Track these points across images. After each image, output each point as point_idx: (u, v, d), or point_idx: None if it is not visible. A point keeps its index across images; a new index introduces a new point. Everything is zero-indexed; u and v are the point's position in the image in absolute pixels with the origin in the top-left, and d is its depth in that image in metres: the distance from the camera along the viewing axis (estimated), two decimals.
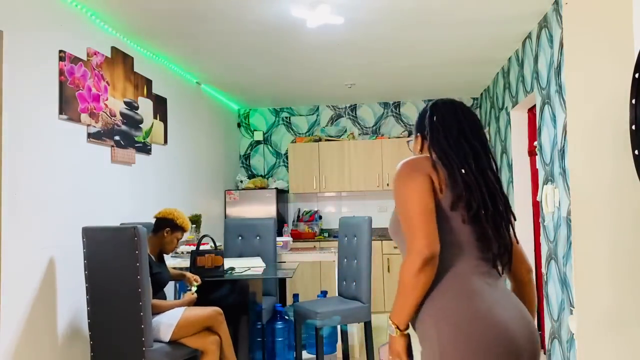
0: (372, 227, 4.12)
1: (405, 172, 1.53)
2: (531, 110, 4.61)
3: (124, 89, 3.88)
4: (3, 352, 2.69)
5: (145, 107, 4.22)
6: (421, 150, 1.66)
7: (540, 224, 3.99)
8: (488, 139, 6.05)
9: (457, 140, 1.58)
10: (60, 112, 3.14)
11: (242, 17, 3.65)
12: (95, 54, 3.51)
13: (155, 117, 4.39)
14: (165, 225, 3.35)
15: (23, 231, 2.83)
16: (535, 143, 4.05)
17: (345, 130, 6.73)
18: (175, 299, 4.32)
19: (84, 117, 3.37)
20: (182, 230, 3.39)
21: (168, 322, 3.06)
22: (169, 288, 4.08)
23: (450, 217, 1.50)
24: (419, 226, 1.44)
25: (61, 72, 3.15)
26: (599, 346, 2.12)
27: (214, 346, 3.12)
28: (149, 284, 2.93)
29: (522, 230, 4.65)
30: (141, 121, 4.14)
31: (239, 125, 6.94)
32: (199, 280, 3.51)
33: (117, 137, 3.77)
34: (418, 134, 1.69)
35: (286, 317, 4.16)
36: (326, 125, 6.81)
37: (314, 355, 4.10)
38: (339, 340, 4.34)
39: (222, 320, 3.20)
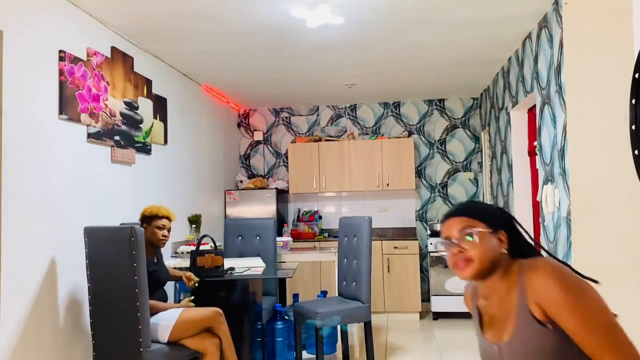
0: (372, 227, 4.12)
1: (574, 276, 1.33)
2: (531, 110, 4.61)
3: (124, 89, 3.88)
4: (4, 352, 2.69)
5: (145, 107, 4.22)
6: (508, 250, 1.46)
7: (540, 224, 3.99)
8: (488, 139, 6.05)
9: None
10: (60, 112, 3.14)
11: (242, 17, 3.65)
12: (95, 54, 3.51)
13: (155, 117, 4.39)
14: (142, 222, 3.38)
15: (23, 231, 2.83)
16: (535, 143, 4.05)
17: (345, 130, 6.73)
18: (175, 298, 4.32)
19: (84, 117, 3.37)
20: (156, 217, 3.34)
21: (165, 322, 3.06)
22: (169, 288, 4.08)
23: None
24: (623, 334, 1.26)
25: (61, 72, 3.15)
26: None
27: (214, 348, 3.12)
28: (147, 284, 2.93)
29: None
30: (141, 121, 4.14)
31: (239, 125, 6.94)
32: (194, 278, 3.50)
33: (117, 137, 3.77)
34: (502, 230, 1.47)
35: (286, 317, 4.16)
36: (326, 125, 6.81)
37: (314, 355, 4.10)
38: (339, 340, 4.34)
39: (221, 320, 3.19)
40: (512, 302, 1.38)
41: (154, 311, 3.11)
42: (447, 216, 1.51)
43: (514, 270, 1.42)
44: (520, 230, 1.48)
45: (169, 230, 3.41)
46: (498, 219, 1.47)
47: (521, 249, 1.45)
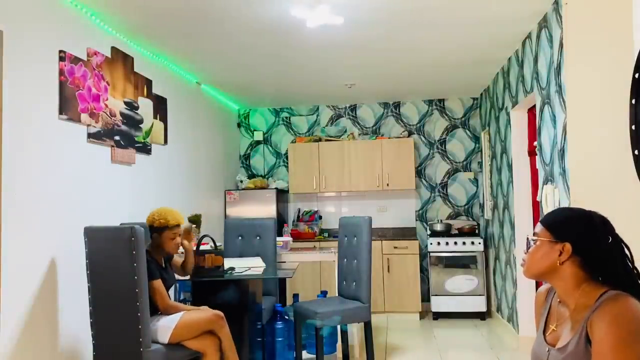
0: (372, 227, 4.12)
1: (630, 339, 1.29)
2: (531, 110, 4.61)
3: (124, 89, 3.88)
4: (4, 352, 2.69)
5: (145, 107, 4.22)
6: (561, 263, 1.45)
7: None
8: (488, 139, 6.04)
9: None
10: (60, 112, 3.14)
11: (242, 17, 3.65)
12: (95, 54, 3.51)
13: (155, 117, 4.39)
14: (151, 231, 3.28)
15: (23, 231, 2.83)
16: (535, 143, 4.05)
17: (345, 130, 6.73)
18: (175, 297, 4.32)
19: (84, 117, 3.37)
20: (167, 227, 3.24)
21: (166, 324, 3.06)
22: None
23: None
24: None
25: (61, 72, 3.15)
26: None
27: (214, 348, 3.11)
28: (147, 284, 2.93)
29: (522, 230, 4.65)
30: (141, 121, 4.14)
31: (239, 125, 6.94)
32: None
33: (117, 137, 3.77)
34: (567, 242, 1.45)
35: (286, 317, 4.16)
36: (326, 125, 6.80)
37: (314, 355, 4.10)
38: (339, 340, 4.34)
39: (223, 324, 3.18)
40: (582, 316, 1.41)
41: (175, 311, 3.14)
42: (540, 220, 1.58)
43: (596, 291, 1.41)
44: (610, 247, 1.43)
45: (180, 235, 3.34)
46: (566, 227, 1.46)
47: (603, 270, 1.42)
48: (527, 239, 1.55)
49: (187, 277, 3.63)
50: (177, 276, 3.61)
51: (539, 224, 1.53)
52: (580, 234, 1.44)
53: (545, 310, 1.59)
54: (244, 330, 3.59)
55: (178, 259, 3.58)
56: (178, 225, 3.29)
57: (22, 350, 2.81)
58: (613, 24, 2.42)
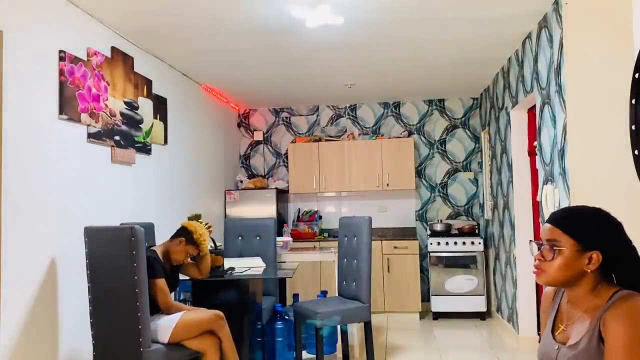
0: (372, 227, 4.12)
1: None
2: (531, 110, 4.61)
3: (124, 89, 3.88)
4: (4, 352, 2.69)
5: (145, 107, 4.22)
6: (592, 271, 1.41)
7: (540, 224, 3.99)
8: (488, 139, 6.04)
9: None
10: (60, 112, 3.14)
11: (242, 17, 3.65)
12: (95, 54, 3.51)
13: (155, 117, 4.39)
14: (183, 235, 3.34)
15: (23, 231, 2.83)
16: (535, 143, 4.05)
17: (345, 130, 6.73)
18: (175, 297, 4.32)
19: (84, 117, 3.37)
20: (196, 246, 3.34)
21: (166, 323, 3.06)
22: None
23: None
24: None
25: (61, 72, 3.15)
26: None
27: (214, 348, 3.12)
28: (147, 284, 2.93)
29: (522, 230, 4.66)
30: (141, 121, 4.14)
31: (239, 125, 6.94)
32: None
33: (117, 137, 3.77)
34: (596, 250, 1.40)
35: (286, 317, 4.16)
36: (326, 125, 6.80)
37: (314, 355, 4.10)
38: (339, 340, 4.34)
39: (223, 324, 3.19)
40: (594, 315, 1.40)
41: (177, 311, 3.15)
42: (547, 220, 1.49)
43: (608, 290, 1.41)
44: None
45: (190, 258, 3.43)
46: (596, 236, 1.41)
47: (624, 271, 1.41)
48: (539, 245, 1.48)
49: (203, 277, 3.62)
50: (182, 276, 3.62)
51: (555, 229, 1.45)
52: (609, 240, 1.41)
53: (554, 310, 1.58)
54: (244, 330, 3.60)
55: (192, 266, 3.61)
56: (200, 249, 3.38)
57: (22, 350, 2.81)
58: (613, 24, 2.42)
